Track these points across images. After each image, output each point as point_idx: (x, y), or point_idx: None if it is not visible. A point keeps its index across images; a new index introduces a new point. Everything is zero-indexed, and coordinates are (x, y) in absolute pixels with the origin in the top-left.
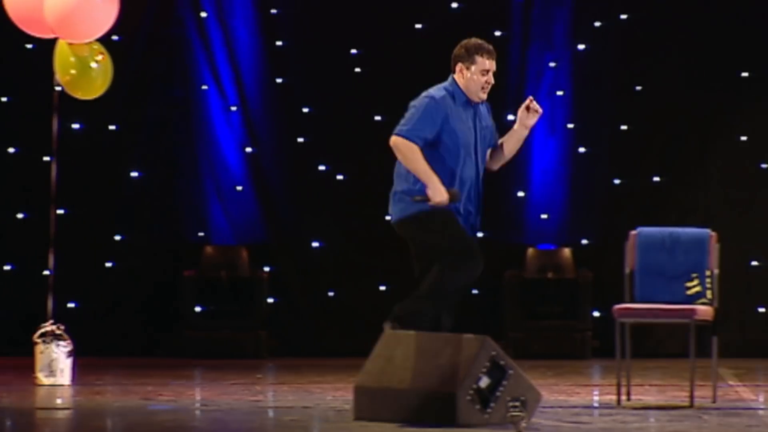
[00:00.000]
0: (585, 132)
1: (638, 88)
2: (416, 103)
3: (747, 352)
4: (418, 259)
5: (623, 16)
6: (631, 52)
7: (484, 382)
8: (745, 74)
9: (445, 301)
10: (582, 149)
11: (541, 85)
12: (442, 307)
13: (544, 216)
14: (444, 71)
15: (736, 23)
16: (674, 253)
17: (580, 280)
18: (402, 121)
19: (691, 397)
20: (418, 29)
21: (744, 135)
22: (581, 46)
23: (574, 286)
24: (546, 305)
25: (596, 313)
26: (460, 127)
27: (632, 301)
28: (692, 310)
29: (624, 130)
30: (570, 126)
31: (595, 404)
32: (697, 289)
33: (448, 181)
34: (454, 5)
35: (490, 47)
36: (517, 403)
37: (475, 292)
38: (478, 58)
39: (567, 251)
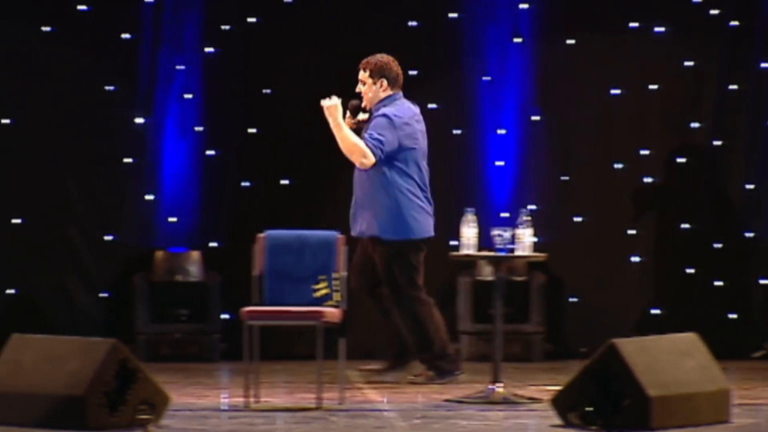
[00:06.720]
0: (214, 135)
1: (267, 91)
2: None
3: (375, 353)
4: None
5: (251, 20)
6: (259, 55)
7: (113, 385)
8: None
9: None
10: (211, 152)
11: (171, 89)
12: None
13: (173, 219)
14: (73, 69)
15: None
16: (302, 256)
17: (209, 283)
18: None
19: (319, 398)
20: (47, 32)
21: None
22: (210, 49)
23: (202, 288)
24: (175, 308)
25: (225, 316)
26: None
27: (261, 303)
28: (320, 312)
29: (252, 133)
30: (199, 129)
31: (224, 407)
32: (325, 291)
33: None
34: (82, 7)
35: None
36: (145, 406)
37: (103, 295)
38: None
39: (196, 254)
